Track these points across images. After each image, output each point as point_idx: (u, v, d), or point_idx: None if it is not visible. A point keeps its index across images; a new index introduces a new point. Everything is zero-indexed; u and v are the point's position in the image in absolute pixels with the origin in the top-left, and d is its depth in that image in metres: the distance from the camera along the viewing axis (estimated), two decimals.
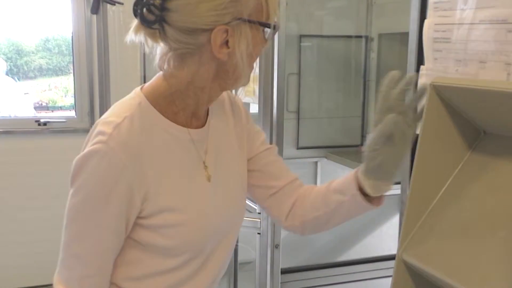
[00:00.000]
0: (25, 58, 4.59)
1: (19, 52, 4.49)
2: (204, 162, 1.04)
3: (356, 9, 3.23)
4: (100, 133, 0.91)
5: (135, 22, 0.93)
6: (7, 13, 4.02)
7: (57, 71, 4.89)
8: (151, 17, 0.89)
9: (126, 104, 0.97)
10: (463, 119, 1.15)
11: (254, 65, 1.00)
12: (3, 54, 4.37)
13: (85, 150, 0.91)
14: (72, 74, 3.66)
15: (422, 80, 1.32)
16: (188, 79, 0.95)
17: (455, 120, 1.14)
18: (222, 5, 0.87)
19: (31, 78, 4.71)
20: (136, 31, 0.93)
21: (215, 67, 0.95)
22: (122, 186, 0.91)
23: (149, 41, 0.95)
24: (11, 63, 4.43)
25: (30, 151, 3.26)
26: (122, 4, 2.24)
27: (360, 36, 3.22)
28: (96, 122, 0.97)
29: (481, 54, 1.15)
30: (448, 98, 1.13)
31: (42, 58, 4.71)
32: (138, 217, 0.97)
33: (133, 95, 0.99)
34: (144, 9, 0.89)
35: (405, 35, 1.36)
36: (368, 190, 1.02)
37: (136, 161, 0.92)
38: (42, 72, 4.79)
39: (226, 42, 0.90)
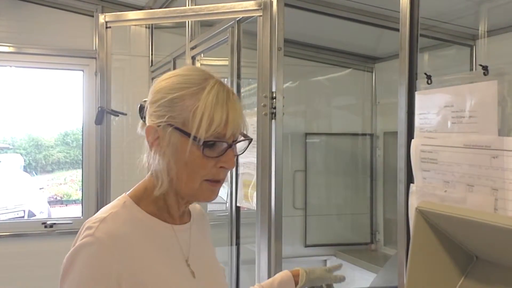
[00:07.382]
0: (44, 153, 4.72)
1: (38, 147, 4.64)
2: (187, 260, 1.05)
3: (361, 108, 3.29)
4: (88, 228, 0.96)
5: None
6: (28, 110, 4.19)
7: (74, 164, 5.01)
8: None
9: (111, 204, 1.03)
10: (453, 244, 1.12)
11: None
12: (23, 149, 4.50)
13: (74, 247, 0.96)
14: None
15: (412, 199, 1.31)
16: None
17: (444, 245, 1.12)
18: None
19: (48, 171, 4.82)
20: (141, 127, 1.06)
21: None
22: (112, 277, 0.92)
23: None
24: (30, 158, 4.56)
25: (37, 253, 3.21)
26: (126, 115, 2.32)
27: (365, 134, 3.26)
28: (83, 223, 1.01)
29: (468, 178, 1.15)
30: (435, 223, 1.11)
31: (60, 152, 4.85)
32: None
33: (119, 197, 1.05)
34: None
35: None
36: None
37: (123, 250, 0.95)
38: (60, 165, 4.91)
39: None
